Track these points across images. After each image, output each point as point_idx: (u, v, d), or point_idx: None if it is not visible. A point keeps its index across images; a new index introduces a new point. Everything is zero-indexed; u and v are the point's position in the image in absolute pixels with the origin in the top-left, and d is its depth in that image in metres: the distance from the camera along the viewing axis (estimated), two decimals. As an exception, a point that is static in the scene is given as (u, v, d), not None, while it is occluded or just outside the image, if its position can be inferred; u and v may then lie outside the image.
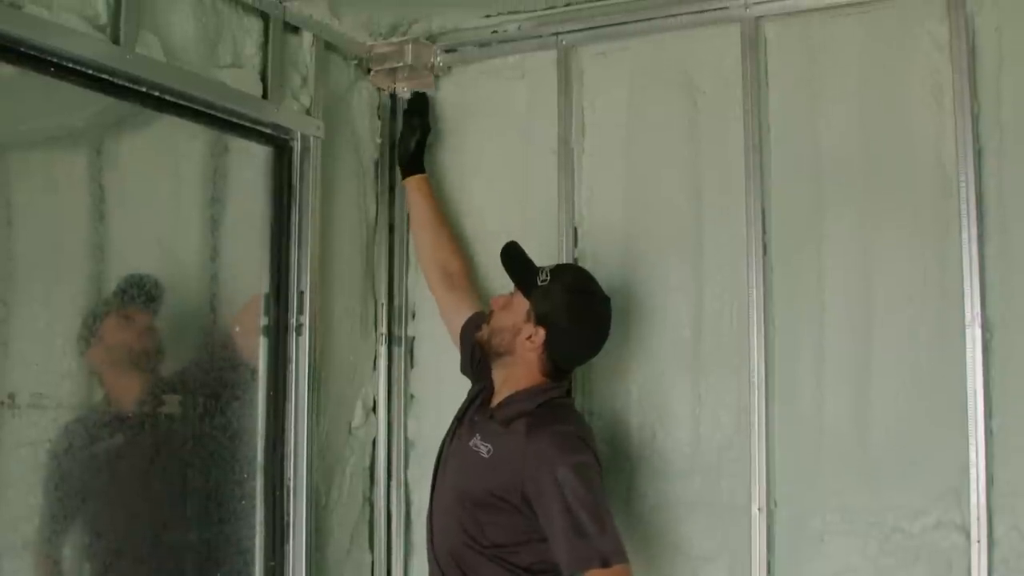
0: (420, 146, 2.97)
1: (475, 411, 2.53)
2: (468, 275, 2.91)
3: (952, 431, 2.38)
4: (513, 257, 2.53)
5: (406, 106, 3.06)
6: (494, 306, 2.54)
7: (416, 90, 3.05)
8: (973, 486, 2.34)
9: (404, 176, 2.98)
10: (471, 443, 2.42)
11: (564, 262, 2.65)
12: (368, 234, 3.08)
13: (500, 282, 2.83)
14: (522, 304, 2.44)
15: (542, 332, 2.41)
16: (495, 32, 3.01)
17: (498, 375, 2.52)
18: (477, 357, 2.65)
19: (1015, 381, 2.36)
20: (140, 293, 2.30)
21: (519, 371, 2.46)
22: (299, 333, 2.69)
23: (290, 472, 2.66)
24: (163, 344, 2.40)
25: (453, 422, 2.58)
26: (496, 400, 2.48)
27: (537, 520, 2.27)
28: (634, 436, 2.75)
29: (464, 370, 2.75)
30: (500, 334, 2.47)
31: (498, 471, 2.33)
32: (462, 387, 2.98)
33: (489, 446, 2.37)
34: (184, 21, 2.40)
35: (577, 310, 2.45)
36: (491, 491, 2.32)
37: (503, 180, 3.01)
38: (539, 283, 2.43)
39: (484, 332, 2.53)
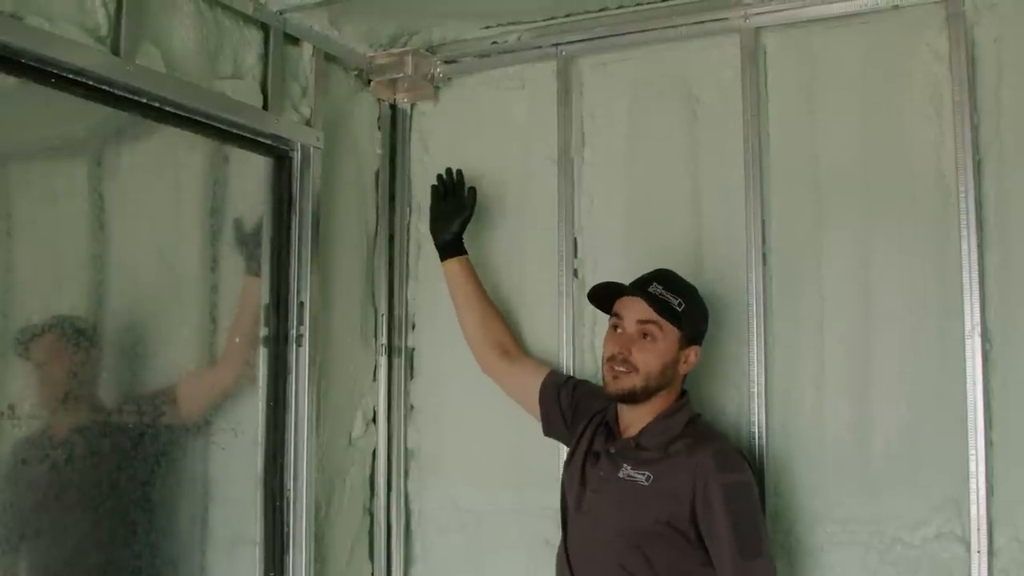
0: (463, 226, 2.83)
1: (606, 443, 2.42)
2: (518, 344, 2.85)
3: (952, 441, 2.38)
4: (649, 297, 2.33)
5: (448, 180, 2.90)
6: (625, 352, 2.33)
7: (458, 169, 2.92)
8: (973, 496, 2.34)
9: (444, 258, 2.85)
10: (621, 475, 2.32)
11: (654, 274, 2.41)
12: (368, 244, 3.09)
13: (496, 281, 2.88)
14: (670, 334, 2.34)
15: (695, 349, 2.39)
16: (495, 43, 3.01)
17: (642, 409, 2.38)
18: (570, 413, 2.59)
19: (1015, 391, 2.36)
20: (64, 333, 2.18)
21: (665, 396, 2.39)
22: (299, 344, 2.69)
23: (290, 483, 2.65)
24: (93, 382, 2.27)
25: (575, 460, 2.47)
26: (632, 426, 2.39)
27: (702, 545, 2.23)
28: (634, 446, 2.75)
29: (552, 432, 2.66)
30: (660, 376, 2.34)
31: (664, 497, 2.26)
32: (462, 397, 3.01)
33: (647, 474, 2.29)
34: (184, 32, 2.41)
35: (706, 311, 2.45)
36: (659, 519, 2.25)
37: (503, 190, 3.01)
38: (679, 309, 2.33)
39: (634, 384, 2.32)
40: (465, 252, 2.85)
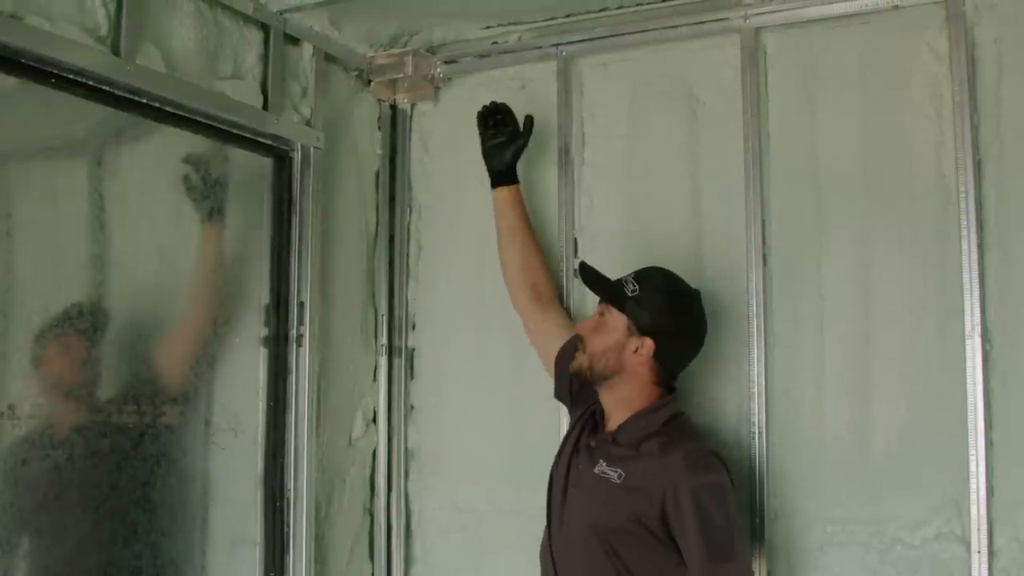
0: (518, 155, 2.78)
1: (589, 437, 2.42)
2: (556, 294, 2.82)
3: (952, 441, 2.38)
4: (591, 275, 2.45)
5: (496, 110, 2.80)
6: (583, 331, 2.43)
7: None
8: (973, 497, 2.34)
9: (495, 185, 2.80)
10: (596, 471, 2.31)
11: (641, 268, 2.46)
12: (368, 245, 3.09)
13: (496, 281, 2.84)
14: (618, 319, 2.35)
15: (649, 341, 2.33)
16: (495, 43, 3.02)
17: (608, 397, 2.41)
18: (576, 384, 2.58)
19: (1015, 392, 2.36)
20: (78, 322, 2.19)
21: (631, 388, 2.37)
22: (299, 344, 2.69)
23: (290, 483, 2.65)
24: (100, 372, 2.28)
25: (563, 452, 2.48)
26: (613, 422, 2.39)
27: (674, 546, 2.22)
28: (634, 447, 2.75)
29: (560, 396, 2.67)
30: (602, 358, 2.36)
31: (634, 495, 2.24)
32: (462, 397, 3.00)
33: (619, 471, 2.27)
34: (185, 32, 2.41)
35: (678, 310, 2.39)
36: (629, 517, 2.24)
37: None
38: (629, 294, 2.34)
39: (581, 361, 2.40)
40: (517, 181, 2.80)
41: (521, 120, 2.79)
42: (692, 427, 2.43)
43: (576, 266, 2.83)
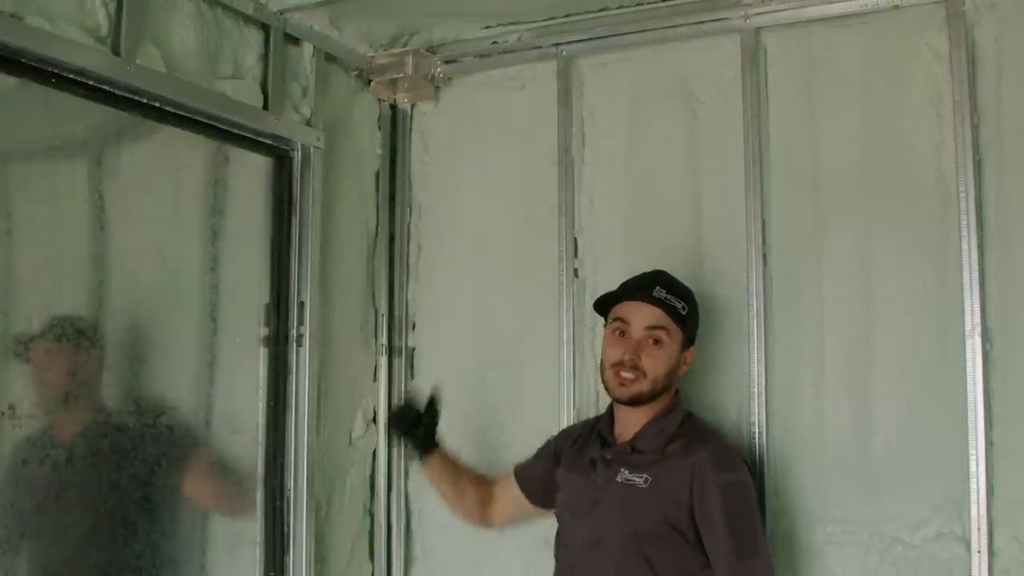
0: (431, 431, 2.71)
1: (600, 450, 2.41)
2: (489, 481, 2.79)
3: (953, 441, 2.38)
4: (659, 297, 2.35)
5: (403, 404, 2.85)
6: (631, 356, 2.33)
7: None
8: (974, 496, 2.34)
9: (422, 458, 2.75)
10: (619, 479, 2.31)
11: (660, 276, 2.43)
12: (368, 244, 3.09)
13: (496, 282, 2.85)
14: (675, 338, 2.36)
15: (692, 350, 2.43)
16: (495, 43, 3.02)
17: (637, 413, 2.38)
18: (552, 463, 2.56)
19: (1015, 392, 2.36)
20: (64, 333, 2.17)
21: (665, 397, 2.39)
22: (299, 344, 2.69)
23: (290, 483, 2.66)
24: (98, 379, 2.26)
25: (572, 468, 2.46)
26: (627, 431, 2.39)
27: (701, 547, 2.24)
28: (634, 447, 2.75)
29: (540, 504, 2.63)
30: (667, 378, 2.36)
31: (663, 498, 2.26)
32: (462, 398, 3.00)
33: (645, 476, 2.29)
34: (185, 32, 2.41)
35: (698, 314, 2.46)
36: (658, 520, 2.25)
37: (503, 190, 3.01)
38: (684, 312, 2.35)
39: (641, 388, 2.33)
40: (438, 444, 2.74)
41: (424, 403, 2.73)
42: (706, 424, 2.46)
43: (575, 268, 2.85)
